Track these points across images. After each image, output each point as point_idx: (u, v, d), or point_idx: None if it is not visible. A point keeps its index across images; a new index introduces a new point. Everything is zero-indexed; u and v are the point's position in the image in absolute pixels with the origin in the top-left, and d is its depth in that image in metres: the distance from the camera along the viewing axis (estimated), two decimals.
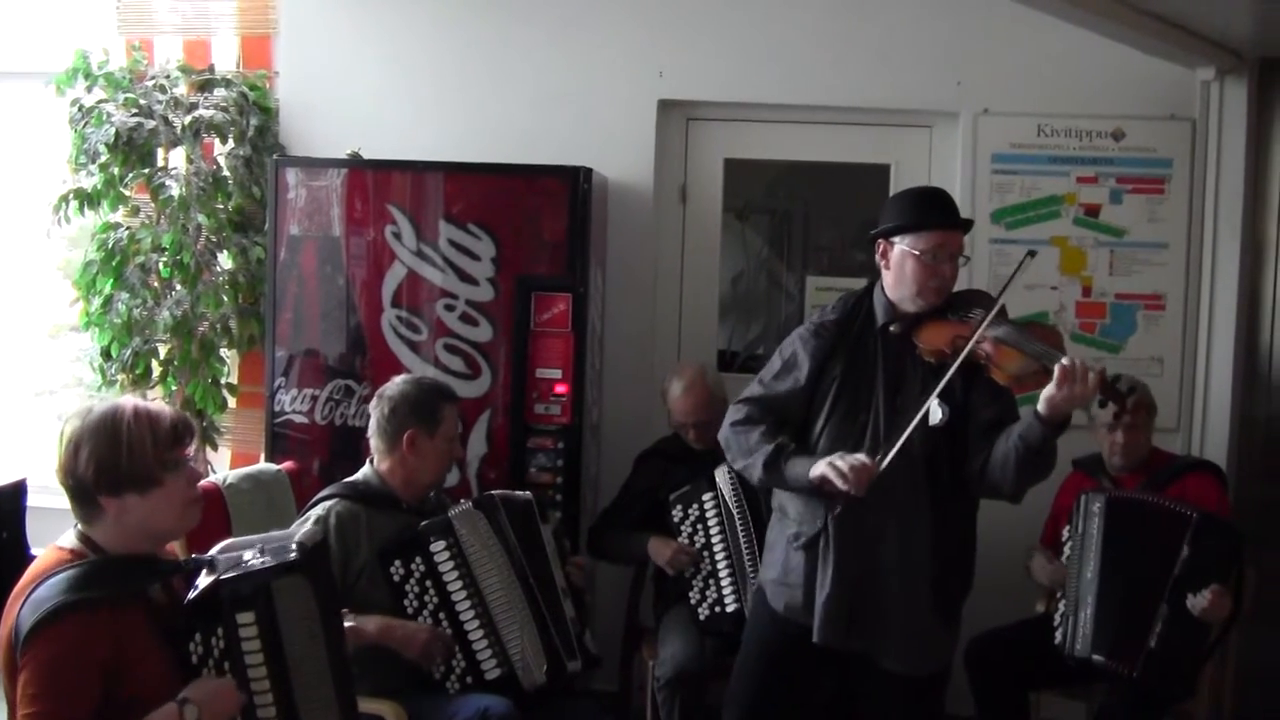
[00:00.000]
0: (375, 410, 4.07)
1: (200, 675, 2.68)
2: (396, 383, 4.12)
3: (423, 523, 3.88)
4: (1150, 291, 5.43)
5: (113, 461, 2.69)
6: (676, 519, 4.79)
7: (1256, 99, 5.33)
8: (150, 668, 2.65)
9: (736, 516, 4.66)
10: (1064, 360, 3.35)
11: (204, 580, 2.71)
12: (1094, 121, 5.40)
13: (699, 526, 4.75)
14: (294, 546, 2.82)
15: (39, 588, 2.63)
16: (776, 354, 3.85)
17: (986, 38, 5.45)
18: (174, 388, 5.54)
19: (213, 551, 2.82)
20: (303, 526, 3.76)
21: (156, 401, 2.89)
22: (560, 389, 5.06)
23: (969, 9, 5.43)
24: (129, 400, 2.79)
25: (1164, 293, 5.43)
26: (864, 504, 3.50)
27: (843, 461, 3.46)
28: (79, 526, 2.77)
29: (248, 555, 2.77)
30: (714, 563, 4.70)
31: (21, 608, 2.62)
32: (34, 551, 4.70)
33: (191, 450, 2.89)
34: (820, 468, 3.49)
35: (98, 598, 2.61)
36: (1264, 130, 5.38)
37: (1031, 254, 3.76)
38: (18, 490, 4.95)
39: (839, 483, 3.44)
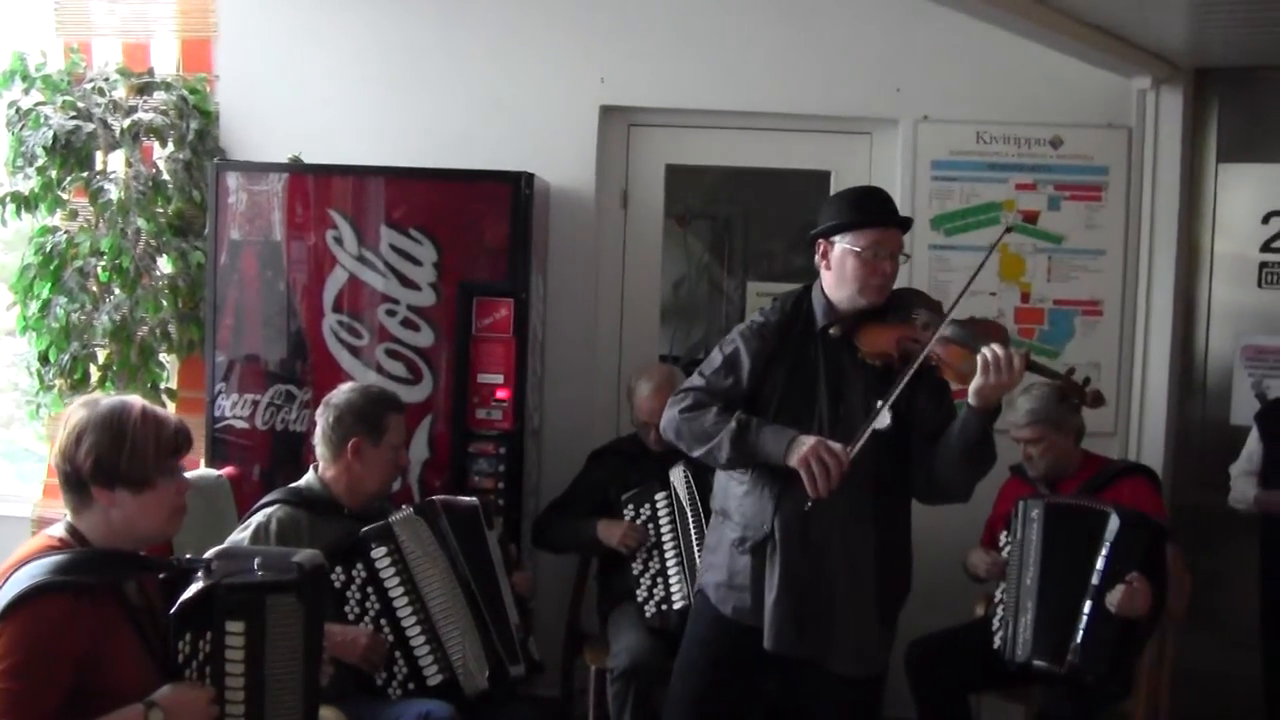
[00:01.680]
0: (321, 418, 4.05)
1: (183, 676, 2.66)
2: (343, 390, 4.10)
3: (363, 529, 3.87)
4: (1088, 297, 5.49)
5: (113, 457, 2.71)
6: (628, 518, 4.81)
7: (1191, 108, 5.42)
8: (125, 665, 2.64)
9: (690, 516, 4.68)
10: (985, 350, 3.42)
11: (199, 583, 2.70)
12: (1032, 129, 5.46)
13: (650, 526, 4.77)
14: (294, 566, 2.82)
15: (22, 569, 2.61)
16: (717, 349, 3.83)
17: (926, 45, 5.49)
18: (112, 393, 5.46)
19: (208, 555, 2.82)
20: (244, 533, 3.78)
21: (163, 408, 2.91)
22: (502, 394, 5.06)
23: (908, 17, 5.46)
24: (138, 401, 2.82)
25: (1101, 299, 5.49)
26: (810, 508, 3.53)
27: (816, 462, 3.44)
28: (68, 518, 2.78)
29: (247, 566, 2.77)
30: (663, 561, 4.72)
31: (2, 587, 2.59)
32: None
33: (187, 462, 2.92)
34: (795, 460, 3.48)
35: (82, 582, 2.60)
36: (1198, 139, 5.46)
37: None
38: None
39: (809, 487, 3.45)
